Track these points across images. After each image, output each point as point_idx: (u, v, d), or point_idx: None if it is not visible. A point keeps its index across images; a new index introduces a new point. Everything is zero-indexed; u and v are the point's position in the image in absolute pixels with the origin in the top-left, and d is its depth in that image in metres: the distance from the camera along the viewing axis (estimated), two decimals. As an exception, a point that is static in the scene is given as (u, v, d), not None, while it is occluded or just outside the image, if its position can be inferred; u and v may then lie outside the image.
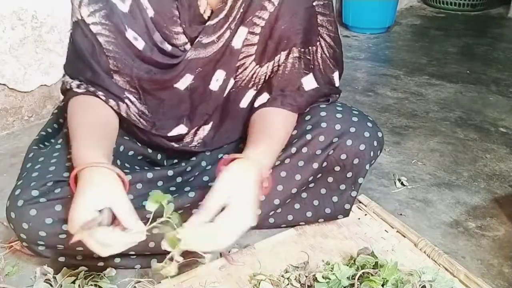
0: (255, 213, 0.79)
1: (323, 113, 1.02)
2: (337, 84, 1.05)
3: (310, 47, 0.98)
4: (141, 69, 0.92)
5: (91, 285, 0.94)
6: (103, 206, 0.75)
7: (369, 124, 1.03)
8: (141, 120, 0.97)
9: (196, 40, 0.93)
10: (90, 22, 0.88)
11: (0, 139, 1.58)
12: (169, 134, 1.01)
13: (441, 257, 1.01)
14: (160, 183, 1.00)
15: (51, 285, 0.94)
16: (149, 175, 0.98)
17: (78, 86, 0.92)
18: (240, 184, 0.80)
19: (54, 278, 0.94)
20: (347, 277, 0.91)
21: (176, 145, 1.03)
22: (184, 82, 0.96)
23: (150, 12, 0.90)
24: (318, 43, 0.98)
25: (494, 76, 2.21)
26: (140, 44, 0.91)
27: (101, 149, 0.83)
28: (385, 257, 0.94)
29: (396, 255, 1.02)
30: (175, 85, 0.96)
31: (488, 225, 1.19)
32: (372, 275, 0.89)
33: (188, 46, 0.95)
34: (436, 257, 1.02)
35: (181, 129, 1.01)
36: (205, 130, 1.04)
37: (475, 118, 1.79)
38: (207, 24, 0.93)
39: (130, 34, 0.89)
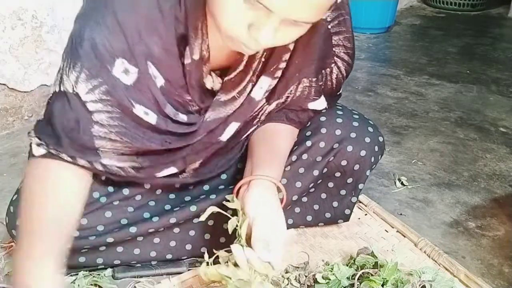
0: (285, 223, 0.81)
1: (322, 118, 0.99)
2: (340, 91, 1.02)
3: (323, 71, 0.91)
4: (154, 141, 0.81)
5: (91, 285, 0.94)
6: None
7: (370, 129, 1.01)
8: (124, 169, 0.85)
9: (214, 98, 0.84)
10: (88, 100, 0.74)
11: (0, 139, 1.57)
12: (157, 175, 0.91)
13: (441, 257, 1.01)
14: (158, 191, 0.99)
15: (51, 285, 0.94)
16: (147, 185, 0.97)
17: (39, 145, 0.80)
18: (269, 207, 0.81)
19: (54, 278, 0.94)
20: (347, 277, 0.91)
21: (164, 179, 0.94)
22: (196, 139, 0.88)
23: (160, 81, 0.78)
24: (333, 64, 0.91)
25: (494, 76, 2.21)
26: (152, 118, 0.79)
27: (52, 260, 0.72)
28: (385, 257, 0.94)
29: (396, 255, 1.02)
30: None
31: (488, 225, 1.19)
32: (372, 275, 0.89)
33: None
34: (436, 257, 1.02)
35: (171, 170, 0.91)
36: (196, 163, 0.94)
37: (475, 118, 1.79)
38: (225, 79, 0.83)
39: (139, 109, 0.77)
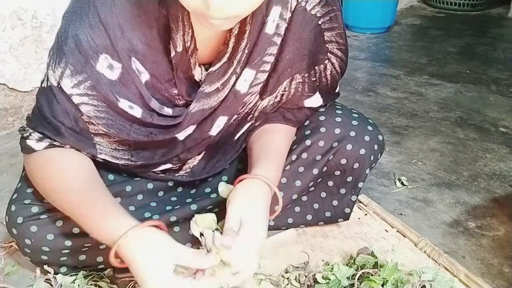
0: (266, 228, 0.80)
1: (322, 118, 1.00)
2: (337, 90, 1.02)
3: (316, 67, 0.91)
4: (140, 133, 0.83)
5: (91, 285, 0.94)
6: (173, 265, 0.69)
7: (370, 128, 1.01)
8: (123, 162, 0.88)
9: (198, 90, 0.84)
10: (74, 93, 0.76)
11: (0, 139, 1.58)
12: (154, 170, 0.94)
13: (441, 257, 1.01)
14: (160, 193, 0.99)
15: (51, 285, 0.94)
16: (150, 185, 0.97)
17: (40, 140, 0.82)
18: (251, 203, 0.79)
19: (54, 278, 0.94)
20: (347, 277, 0.92)
21: (161, 175, 0.96)
22: (185, 133, 0.88)
23: (145, 77, 0.79)
24: (327, 60, 0.91)
25: (494, 76, 2.21)
26: (137, 112, 0.80)
27: (116, 208, 0.76)
28: (385, 257, 0.94)
29: (396, 255, 1.02)
30: (175, 136, 0.88)
31: (488, 225, 1.19)
32: (372, 275, 0.89)
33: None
34: (436, 257, 1.02)
35: (168, 166, 0.94)
36: (195, 160, 0.97)
37: (475, 118, 1.79)
38: (209, 70, 0.83)
39: (123, 103, 0.78)
